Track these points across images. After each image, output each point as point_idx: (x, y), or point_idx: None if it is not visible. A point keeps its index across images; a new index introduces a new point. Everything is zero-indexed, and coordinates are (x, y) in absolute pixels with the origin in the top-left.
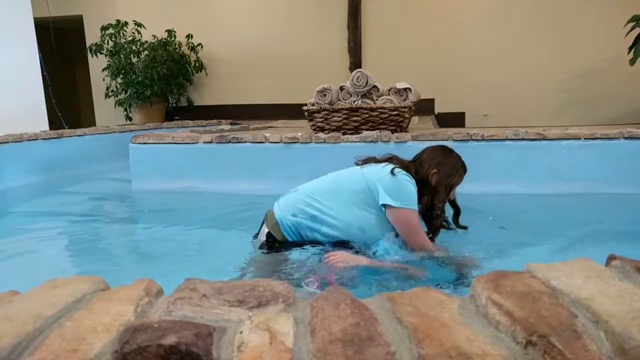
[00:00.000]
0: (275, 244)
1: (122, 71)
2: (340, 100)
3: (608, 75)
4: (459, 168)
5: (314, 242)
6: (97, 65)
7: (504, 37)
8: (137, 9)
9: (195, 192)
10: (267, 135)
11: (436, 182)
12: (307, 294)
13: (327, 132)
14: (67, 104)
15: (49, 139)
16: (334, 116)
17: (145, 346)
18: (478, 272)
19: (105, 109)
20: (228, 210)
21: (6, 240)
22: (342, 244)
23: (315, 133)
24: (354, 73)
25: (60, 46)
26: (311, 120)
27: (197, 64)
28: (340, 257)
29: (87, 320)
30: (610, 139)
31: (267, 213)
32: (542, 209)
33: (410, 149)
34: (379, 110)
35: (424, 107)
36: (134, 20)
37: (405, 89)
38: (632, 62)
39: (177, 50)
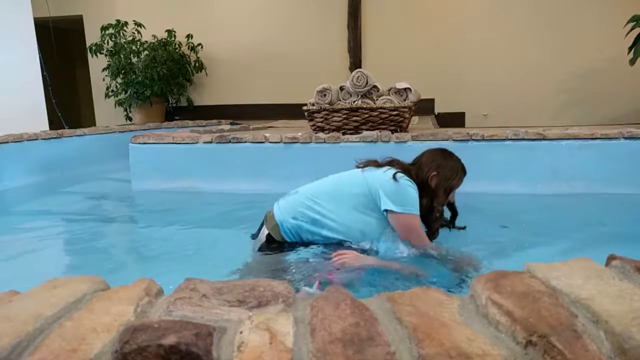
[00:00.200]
0: (274, 245)
1: (122, 71)
2: (340, 100)
3: (608, 75)
4: (458, 171)
5: (313, 244)
6: (97, 65)
7: (504, 37)
8: (137, 9)
9: (195, 192)
10: (267, 135)
11: (436, 184)
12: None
13: (327, 132)
14: (67, 104)
15: (49, 139)
16: (334, 116)
17: (145, 346)
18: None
19: (105, 109)
20: (228, 210)
21: (6, 240)
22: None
23: (315, 133)
24: (354, 73)
25: (60, 46)
26: (311, 120)
27: (197, 64)
28: (351, 256)
29: (87, 320)
30: (610, 139)
31: (266, 214)
32: (542, 209)
33: (410, 149)
34: (379, 110)
35: (424, 107)
36: (134, 20)
37: (405, 89)
38: (632, 62)
39: (177, 50)
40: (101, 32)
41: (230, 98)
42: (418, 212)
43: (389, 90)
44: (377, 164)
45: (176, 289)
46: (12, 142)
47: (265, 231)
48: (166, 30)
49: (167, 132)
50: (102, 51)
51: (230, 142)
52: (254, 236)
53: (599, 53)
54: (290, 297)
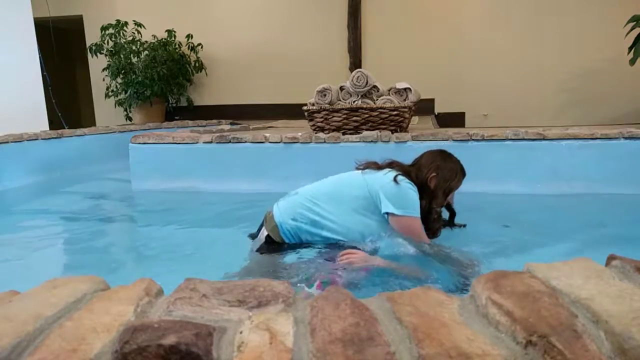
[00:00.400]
0: (274, 245)
1: (122, 71)
2: (340, 100)
3: (608, 75)
4: (457, 172)
5: (313, 244)
6: (97, 65)
7: (504, 37)
8: (137, 9)
9: (195, 192)
10: (267, 135)
11: (435, 185)
12: (307, 294)
13: (327, 132)
14: (67, 104)
15: (49, 139)
16: (334, 116)
17: (145, 346)
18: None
19: (105, 109)
20: (228, 210)
21: (6, 240)
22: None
23: (315, 133)
24: (354, 73)
25: (60, 46)
26: (311, 120)
27: (197, 64)
28: (359, 256)
29: (87, 320)
30: (610, 139)
31: (266, 215)
32: (542, 209)
33: (410, 149)
34: (379, 110)
35: (424, 107)
36: (134, 20)
37: (405, 89)
38: (632, 62)
39: (177, 50)
40: (101, 32)
41: (230, 98)
42: (419, 215)
43: (389, 90)
44: (377, 166)
45: (176, 289)
46: (12, 142)
47: (264, 232)
48: (166, 30)
49: (167, 132)
50: (102, 51)
51: (230, 142)
52: (253, 236)
53: (599, 53)
54: (290, 297)
